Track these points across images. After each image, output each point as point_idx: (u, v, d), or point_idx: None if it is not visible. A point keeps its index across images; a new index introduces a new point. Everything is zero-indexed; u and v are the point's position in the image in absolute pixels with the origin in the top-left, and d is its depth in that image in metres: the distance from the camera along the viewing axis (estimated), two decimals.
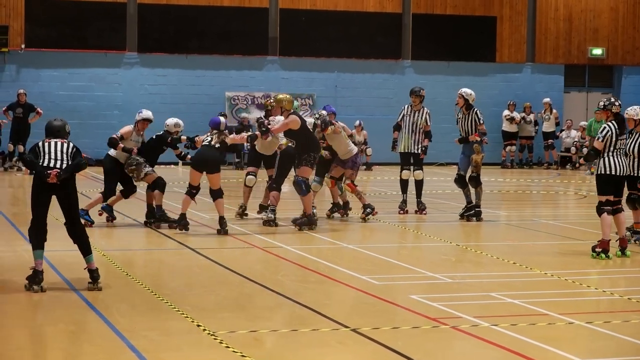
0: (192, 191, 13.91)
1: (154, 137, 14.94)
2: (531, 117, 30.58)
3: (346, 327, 8.27)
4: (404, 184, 16.70)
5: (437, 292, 10.05)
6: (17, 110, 25.69)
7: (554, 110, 30.60)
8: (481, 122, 16.00)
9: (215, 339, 7.81)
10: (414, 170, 16.61)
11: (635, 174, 13.02)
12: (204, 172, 13.87)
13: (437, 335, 8.13)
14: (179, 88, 29.07)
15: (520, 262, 11.80)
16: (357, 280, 10.54)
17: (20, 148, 25.51)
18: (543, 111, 30.57)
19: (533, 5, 31.69)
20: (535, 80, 31.86)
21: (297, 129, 14.31)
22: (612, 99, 12.51)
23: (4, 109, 25.61)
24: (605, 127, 12.12)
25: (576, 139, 30.16)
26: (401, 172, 16.70)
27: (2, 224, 14.88)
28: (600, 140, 12.07)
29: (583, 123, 29.68)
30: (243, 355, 7.30)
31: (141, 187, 15.49)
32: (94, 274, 9.70)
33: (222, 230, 13.76)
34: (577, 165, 30.17)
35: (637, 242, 13.32)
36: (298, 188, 14.37)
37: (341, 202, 16.07)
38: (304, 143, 14.44)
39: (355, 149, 15.73)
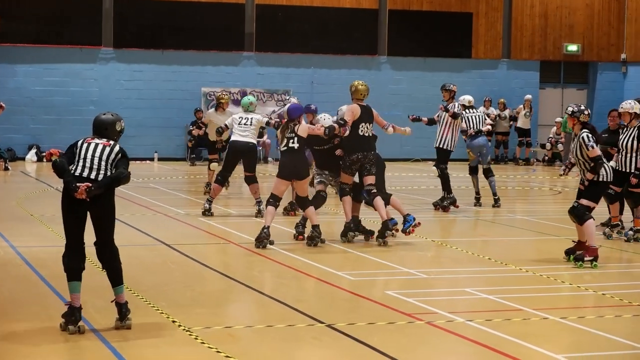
0: (276, 203, 12.63)
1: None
2: (506, 112, 30.64)
3: (321, 322, 8.28)
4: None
5: (412, 287, 10.07)
6: None
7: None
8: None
9: (190, 334, 7.80)
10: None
11: (627, 170, 13.14)
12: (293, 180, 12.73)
13: (413, 331, 8.15)
14: (155, 84, 29.02)
15: (495, 258, 11.85)
16: (333, 276, 10.55)
17: None
18: (522, 107, 30.60)
19: (509, 1, 31.78)
20: (510, 76, 31.95)
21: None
22: (582, 107, 11.64)
23: None
24: (589, 136, 11.38)
25: (551, 135, 30.25)
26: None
27: None
28: (596, 147, 11.35)
29: (559, 119, 29.78)
30: (218, 351, 7.30)
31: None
32: (122, 309, 8.08)
33: (312, 242, 12.65)
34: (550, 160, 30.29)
35: (631, 238, 13.33)
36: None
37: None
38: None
39: None
